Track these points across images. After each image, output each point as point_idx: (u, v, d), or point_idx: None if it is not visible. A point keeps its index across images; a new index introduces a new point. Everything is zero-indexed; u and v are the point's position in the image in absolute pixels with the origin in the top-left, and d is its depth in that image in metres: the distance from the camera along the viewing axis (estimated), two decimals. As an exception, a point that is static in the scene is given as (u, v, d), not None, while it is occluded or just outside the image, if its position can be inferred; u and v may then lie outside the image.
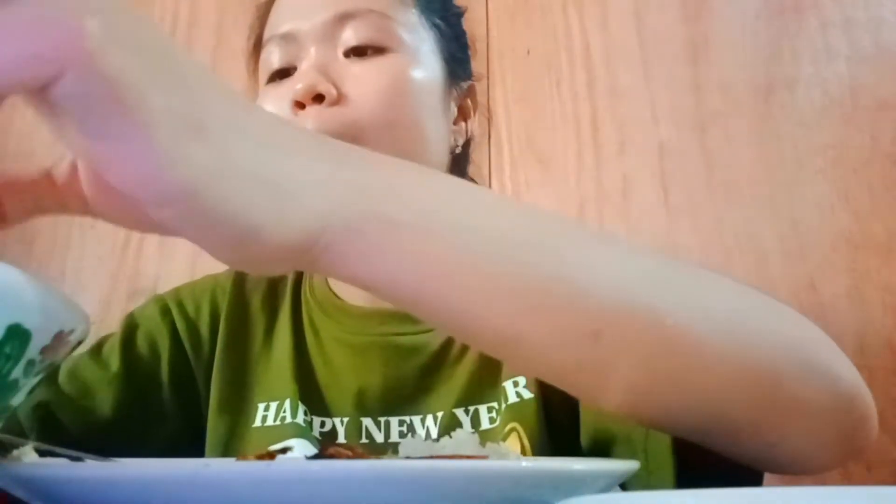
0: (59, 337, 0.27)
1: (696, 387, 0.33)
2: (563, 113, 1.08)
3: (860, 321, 0.89)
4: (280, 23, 0.59)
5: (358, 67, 0.56)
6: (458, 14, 0.68)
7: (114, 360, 0.60)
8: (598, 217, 1.03)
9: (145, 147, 0.23)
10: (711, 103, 1.01)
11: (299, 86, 0.54)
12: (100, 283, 1.24)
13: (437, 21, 0.63)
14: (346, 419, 0.58)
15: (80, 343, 0.29)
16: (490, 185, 1.10)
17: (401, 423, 0.57)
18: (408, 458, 0.38)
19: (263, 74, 0.60)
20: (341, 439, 0.57)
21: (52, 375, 0.57)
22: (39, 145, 1.36)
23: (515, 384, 0.55)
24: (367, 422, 0.57)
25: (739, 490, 0.22)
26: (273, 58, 0.59)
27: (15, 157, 1.37)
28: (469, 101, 0.67)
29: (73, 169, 0.30)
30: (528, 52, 1.12)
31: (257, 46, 0.64)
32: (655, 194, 1.01)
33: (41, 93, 0.22)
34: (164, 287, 0.68)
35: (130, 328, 0.62)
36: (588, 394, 0.37)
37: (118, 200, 0.28)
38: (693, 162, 1.00)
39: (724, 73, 1.01)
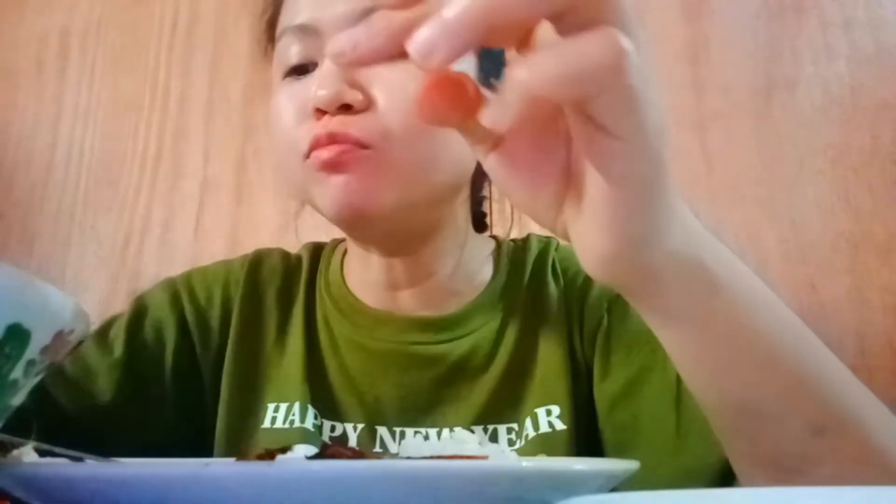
0: (59, 337, 0.27)
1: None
2: (563, 113, 1.08)
3: (860, 321, 0.89)
4: (298, 11, 0.54)
5: (386, 70, 0.50)
6: None
7: (118, 346, 0.58)
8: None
9: (641, 146, 0.29)
10: (711, 103, 1.01)
11: (322, 93, 0.49)
12: (100, 283, 1.24)
13: None
14: (359, 426, 0.56)
15: (80, 343, 0.29)
16: (490, 185, 1.09)
17: (416, 434, 0.55)
18: (408, 458, 0.38)
19: (280, 67, 0.55)
20: (352, 445, 0.55)
21: None
22: (40, 145, 1.36)
23: (549, 412, 0.53)
24: (381, 430, 0.56)
25: (739, 490, 0.22)
26: (291, 51, 0.54)
27: (15, 156, 1.37)
28: None
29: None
30: (528, 52, 1.12)
31: (272, 26, 0.59)
32: (655, 194, 1.01)
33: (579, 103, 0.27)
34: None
35: (138, 313, 0.60)
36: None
37: (528, 172, 0.33)
38: (693, 162, 1.00)
39: (724, 73, 1.01)
